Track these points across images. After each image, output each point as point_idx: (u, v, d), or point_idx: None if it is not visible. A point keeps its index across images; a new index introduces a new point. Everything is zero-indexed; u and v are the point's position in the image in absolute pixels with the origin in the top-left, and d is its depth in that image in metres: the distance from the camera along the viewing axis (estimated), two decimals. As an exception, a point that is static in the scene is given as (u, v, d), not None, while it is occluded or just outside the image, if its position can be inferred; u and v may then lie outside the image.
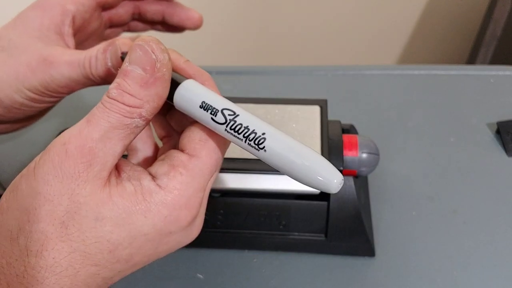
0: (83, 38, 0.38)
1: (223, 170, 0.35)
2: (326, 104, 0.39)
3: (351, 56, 1.21)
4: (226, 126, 0.24)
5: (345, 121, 0.41)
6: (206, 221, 0.39)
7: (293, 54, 1.18)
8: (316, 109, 0.38)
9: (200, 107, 0.25)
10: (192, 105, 0.25)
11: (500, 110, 0.50)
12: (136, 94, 0.24)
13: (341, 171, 0.36)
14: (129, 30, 0.41)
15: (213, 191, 0.38)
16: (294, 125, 0.37)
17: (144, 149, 0.30)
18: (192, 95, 0.25)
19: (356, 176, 0.37)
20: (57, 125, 0.50)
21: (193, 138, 0.26)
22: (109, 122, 0.23)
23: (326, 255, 0.40)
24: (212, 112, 0.24)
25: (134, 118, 0.24)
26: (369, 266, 0.39)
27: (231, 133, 0.24)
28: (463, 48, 1.20)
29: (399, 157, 0.47)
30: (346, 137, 0.37)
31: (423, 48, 1.21)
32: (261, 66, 0.57)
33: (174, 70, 0.27)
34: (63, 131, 0.39)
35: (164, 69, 0.24)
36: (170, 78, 0.25)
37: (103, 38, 0.40)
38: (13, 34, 0.33)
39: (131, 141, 0.25)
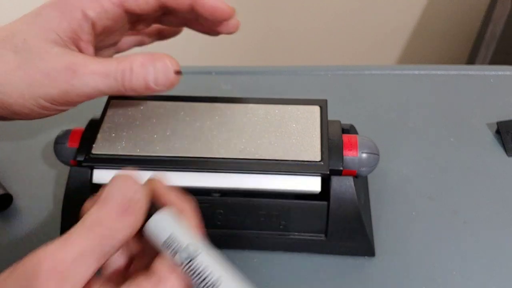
0: (104, 42, 0.37)
1: (223, 170, 0.35)
2: (326, 104, 0.39)
3: (351, 56, 1.21)
4: (183, 267, 0.25)
5: (345, 121, 0.41)
6: (206, 221, 0.39)
7: (293, 54, 1.18)
8: (316, 109, 0.38)
9: (164, 243, 0.26)
10: (157, 240, 0.26)
11: (500, 110, 0.50)
12: (111, 222, 0.25)
13: (341, 171, 0.36)
14: (161, 23, 0.39)
15: (213, 191, 0.38)
16: (294, 125, 0.37)
17: (117, 260, 0.29)
18: (158, 230, 0.26)
19: (356, 176, 0.37)
20: (58, 125, 0.49)
21: (164, 264, 0.26)
22: (84, 246, 0.24)
23: (326, 255, 0.40)
24: (173, 252, 0.26)
25: (109, 244, 0.25)
26: (369, 266, 0.39)
27: (188, 274, 0.25)
28: (463, 48, 1.20)
29: (399, 157, 0.47)
30: (346, 137, 0.37)
31: (423, 48, 1.21)
32: (261, 66, 0.57)
33: (155, 197, 0.28)
34: (64, 130, 0.39)
35: (140, 201, 0.26)
36: (146, 209, 0.26)
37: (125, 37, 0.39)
38: (28, 33, 0.31)
39: (104, 263, 0.25)
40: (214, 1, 0.34)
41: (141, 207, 0.26)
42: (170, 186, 0.29)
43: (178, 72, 0.33)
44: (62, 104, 0.32)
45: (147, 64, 0.32)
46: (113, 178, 0.27)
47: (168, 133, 0.37)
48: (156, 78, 0.32)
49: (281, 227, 0.39)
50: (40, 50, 0.31)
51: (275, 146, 0.36)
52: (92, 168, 0.37)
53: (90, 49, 0.34)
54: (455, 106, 0.51)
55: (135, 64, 0.32)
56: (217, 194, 0.38)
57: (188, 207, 0.29)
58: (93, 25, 0.33)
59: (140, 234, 0.27)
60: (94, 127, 0.38)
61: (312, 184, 0.35)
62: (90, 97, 0.32)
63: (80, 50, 0.33)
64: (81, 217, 0.26)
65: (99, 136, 0.37)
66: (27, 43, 0.31)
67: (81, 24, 0.32)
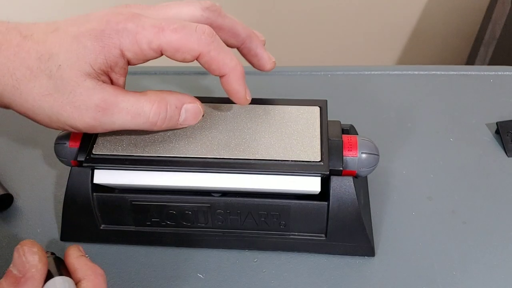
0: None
1: (223, 170, 0.35)
2: (326, 105, 0.39)
3: (351, 56, 1.21)
4: None
5: (345, 121, 0.41)
6: (206, 221, 0.39)
7: (293, 55, 1.18)
8: (316, 110, 0.39)
9: None
10: None
11: (500, 110, 0.50)
12: None
13: (341, 172, 0.36)
14: None
15: (213, 191, 0.38)
16: (294, 126, 0.37)
17: None
18: None
19: (356, 176, 0.37)
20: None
21: None
22: None
23: (326, 255, 0.40)
24: None
25: None
26: (369, 266, 0.39)
27: None
28: (463, 48, 1.20)
29: (399, 157, 0.47)
30: (346, 138, 0.37)
31: (422, 49, 1.21)
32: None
33: (67, 264, 0.31)
34: (63, 132, 0.39)
35: (34, 270, 0.29)
36: (41, 276, 0.29)
37: None
38: (63, 60, 0.31)
39: None
40: (238, 86, 0.35)
41: (34, 277, 0.29)
42: (83, 256, 0.32)
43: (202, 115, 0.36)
44: (86, 132, 0.34)
45: (180, 107, 0.34)
46: (15, 249, 0.30)
47: (168, 134, 0.37)
48: (185, 119, 0.35)
49: (281, 227, 0.39)
50: (73, 82, 0.32)
51: (275, 146, 0.36)
52: (93, 169, 0.37)
53: (121, 80, 0.34)
54: (455, 107, 0.51)
55: (170, 107, 0.34)
56: (217, 195, 0.38)
57: (92, 276, 0.31)
58: (128, 62, 0.33)
59: None
60: (94, 127, 0.38)
61: (312, 184, 0.36)
62: (114, 129, 0.34)
63: (111, 80, 0.34)
64: None
65: (99, 136, 0.37)
66: (61, 70, 0.32)
67: (117, 61, 0.33)
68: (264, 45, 0.40)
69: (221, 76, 0.34)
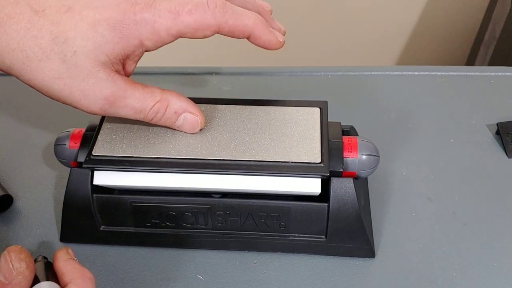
0: None
1: (223, 172, 0.35)
2: (326, 106, 0.39)
3: (351, 57, 1.21)
4: None
5: (345, 122, 0.41)
6: (206, 223, 0.39)
7: (293, 55, 1.18)
8: (316, 111, 0.39)
9: None
10: None
11: (500, 111, 0.50)
12: None
13: (341, 173, 0.36)
14: None
15: (213, 193, 0.38)
16: (294, 127, 0.37)
17: None
18: None
19: (356, 178, 0.37)
20: (58, 126, 0.50)
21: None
22: None
23: (326, 256, 0.40)
24: None
25: None
26: (369, 267, 0.39)
27: None
28: (462, 48, 1.20)
29: (399, 158, 0.47)
30: (346, 139, 0.37)
31: (422, 49, 1.21)
32: (261, 67, 0.57)
33: (55, 268, 0.31)
34: (64, 132, 0.39)
35: (20, 277, 0.29)
36: (28, 284, 0.29)
37: None
38: (80, 47, 0.31)
39: None
40: (266, 36, 0.35)
41: (21, 284, 0.29)
42: (72, 259, 0.32)
43: (200, 129, 0.37)
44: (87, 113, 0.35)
45: (179, 113, 0.35)
46: (1, 255, 0.30)
47: (168, 135, 0.37)
48: (182, 125, 0.36)
49: (281, 228, 0.39)
50: (87, 70, 0.32)
51: (275, 147, 0.36)
52: (92, 170, 0.37)
53: (133, 66, 0.35)
54: (455, 107, 0.51)
55: (169, 110, 0.35)
56: (217, 196, 0.38)
57: (80, 280, 0.30)
58: (146, 50, 0.34)
59: None
60: (94, 128, 0.38)
61: (312, 185, 0.36)
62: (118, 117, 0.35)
63: (124, 67, 0.34)
64: None
65: (99, 137, 0.37)
66: (76, 57, 0.32)
67: (135, 50, 0.33)
68: (271, 14, 0.39)
69: (251, 38, 0.34)
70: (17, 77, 0.33)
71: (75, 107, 0.34)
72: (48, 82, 0.32)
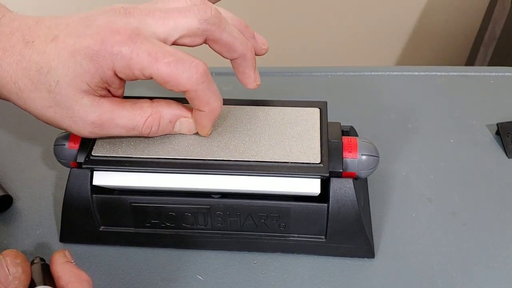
0: None
1: (223, 172, 0.35)
2: (326, 106, 0.39)
3: (351, 57, 1.21)
4: None
5: (345, 122, 0.41)
6: (206, 223, 0.39)
7: (293, 55, 1.18)
8: (316, 111, 0.38)
9: None
10: None
11: (500, 111, 0.50)
12: None
13: (340, 173, 0.36)
14: None
15: (212, 193, 0.38)
16: (294, 127, 0.37)
17: None
18: None
19: (356, 178, 0.37)
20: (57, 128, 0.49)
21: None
22: None
23: (326, 256, 0.40)
24: None
25: None
26: (368, 268, 0.39)
27: None
28: (462, 48, 1.20)
29: (399, 158, 0.47)
30: (345, 139, 0.37)
31: (422, 49, 1.21)
32: (261, 67, 0.57)
33: (52, 271, 0.31)
34: (64, 132, 0.39)
35: (16, 282, 0.29)
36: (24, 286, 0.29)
37: None
38: (61, 76, 0.32)
39: None
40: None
41: (17, 287, 0.29)
42: (69, 262, 0.32)
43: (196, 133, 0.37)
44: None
45: (174, 121, 0.35)
46: None
47: (168, 135, 0.37)
48: (179, 130, 0.36)
49: (281, 229, 0.39)
50: (70, 99, 0.33)
51: (274, 148, 0.36)
52: (92, 170, 0.37)
53: (120, 91, 0.35)
54: (455, 107, 0.51)
55: (163, 122, 0.35)
56: (216, 196, 0.38)
57: (76, 283, 0.30)
58: (124, 81, 0.34)
59: None
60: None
61: (311, 186, 0.36)
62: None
63: (110, 92, 0.34)
64: None
65: (99, 138, 0.37)
66: (59, 86, 0.32)
67: (113, 81, 0.33)
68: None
69: (198, 110, 0.35)
70: (16, 106, 0.35)
71: (70, 131, 0.35)
72: (41, 110, 0.33)
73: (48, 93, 0.32)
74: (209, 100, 0.34)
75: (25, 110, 0.34)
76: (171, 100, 0.36)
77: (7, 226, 0.43)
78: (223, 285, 0.38)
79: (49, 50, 0.32)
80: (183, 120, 0.36)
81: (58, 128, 0.35)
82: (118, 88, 0.34)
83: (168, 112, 0.35)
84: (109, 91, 0.34)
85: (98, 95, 0.33)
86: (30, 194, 0.45)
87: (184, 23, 0.33)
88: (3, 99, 0.35)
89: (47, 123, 0.35)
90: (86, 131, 0.34)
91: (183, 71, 0.32)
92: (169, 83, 0.32)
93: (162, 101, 0.35)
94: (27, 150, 0.49)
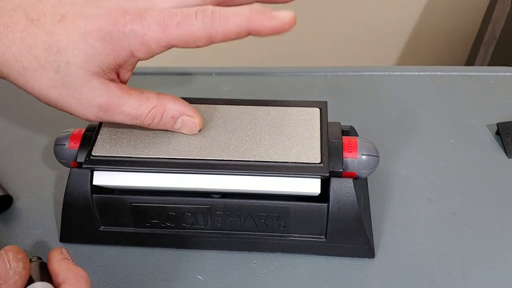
0: None
1: (223, 172, 0.35)
2: (326, 106, 0.39)
3: (351, 57, 1.21)
4: None
5: (345, 122, 0.41)
6: (206, 223, 0.39)
7: (293, 55, 1.18)
8: (316, 111, 0.38)
9: None
10: None
11: (500, 111, 0.50)
12: None
13: (341, 173, 0.36)
14: None
15: (213, 193, 0.38)
16: (294, 127, 0.37)
17: None
18: None
19: (356, 178, 0.37)
20: (58, 127, 0.50)
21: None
22: None
23: (326, 256, 0.40)
24: None
25: None
26: (369, 268, 0.39)
27: None
28: (462, 48, 1.20)
29: (399, 158, 0.47)
30: (346, 139, 0.37)
31: (422, 49, 1.21)
32: (261, 67, 0.57)
33: (49, 268, 0.31)
34: (64, 132, 0.39)
35: (17, 277, 0.29)
36: (23, 284, 0.29)
37: None
38: (72, 57, 0.32)
39: None
40: (267, 25, 0.32)
41: (17, 284, 0.29)
42: (66, 259, 0.32)
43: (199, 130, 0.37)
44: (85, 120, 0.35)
45: (177, 117, 0.35)
46: None
47: (168, 135, 0.37)
48: (180, 128, 0.36)
49: (281, 228, 0.39)
50: (80, 80, 0.32)
51: (274, 148, 0.36)
52: (92, 170, 0.37)
53: (128, 75, 0.35)
54: (455, 107, 0.51)
55: (166, 115, 0.35)
56: (217, 196, 0.38)
57: (73, 280, 0.30)
58: (139, 59, 0.34)
59: None
60: (94, 128, 0.38)
61: (312, 186, 0.36)
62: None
63: (118, 76, 0.34)
64: None
65: (99, 137, 0.37)
66: (69, 67, 0.32)
67: (127, 61, 0.33)
68: None
69: (249, 34, 0.33)
70: (14, 84, 0.34)
71: (72, 114, 0.34)
72: (44, 91, 0.33)
73: (56, 73, 0.32)
74: (235, 21, 0.31)
75: (25, 90, 0.34)
76: (179, 98, 0.36)
77: (7, 226, 0.43)
78: (223, 285, 0.38)
79: (58, 30, 0.32)
80: (185, 118, 0.36)
81: (60, 110, 0.34)
82: (128, 70, 0.34)
83: (173, 106, 0.35)
84: (118, 75, 0.34)
85: (108, 78, 0.33)
86: (30, 194, 0.45)
87: None
88: (1, 77, 0.34)
89: (49, 104, 0.34)
90: (91, 114, 0.33)
91: (193, 23, 0.31)
92: (189, 41, 0.32)
93: (169, 96, 0.35)
94: (27, 150, 0.49)
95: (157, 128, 0.36)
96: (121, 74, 0.34)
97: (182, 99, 0.36)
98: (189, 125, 0.36)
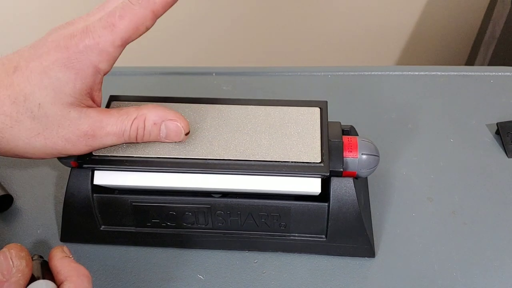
0: None
1: (223, 171, 0.35)
2: (326, 106, 0.39)
3: (351, 57, 1.21)
4: None
5: (345, 122, 0.41)
6: (206, 223, 0.39)
7: (293, 55, 1.18)
8: (316, 111, 0.39)
9: None
10: None
11: (500, 111, 0.50)
12: None
13: (341, 173, 0.36)
14: None
15: (213, 193, 0.38)
16: (294, 127, 0.37)
17: None
18: None
19: (356, 178, 0.37)
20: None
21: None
22: None
23: (326, 256, 0.40)
24: None
25: None
26: (369, 267, 0.39)
27: None
28: (462, 48, 1.20)
29: (399, 158, 0.47)
30: (346, 139, 0.37)
31: (422, 49, 1.21)
32: (262, 67, 0.57)
33: (50, 266, 0.31)
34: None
35: (19, 274, 0.29)
36: (25, 282, 0.29)
37: None
38: (42, 98, 0.32)
39: None
40: None
41: (19, 282, 0.29)
42: (67, 257, 0.32)
43: (187, 133, 0.36)
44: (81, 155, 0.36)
45: (159, 123, 0.35)
46: (0, 252, 0.29)
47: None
48: (167, 135, 0.35)
49: (281, 228, 0.39)
50: (58, 116, 0.32)
51: (275, 147, 0.36)
52: (93, 170, 0.37)
53: (99, 95, 0.35)
54: (455, 107, 0.51)
55: (148, 123, 0.35)
56: (217, 196, 0.38)
57: (75, 277, 0.30)
58: (104, 73, 0.34)
59: None
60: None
61: (312, 185, 0.36)
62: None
63: (93, 99, 0.35)
64: None
65: (100, 137, 0.37)
66: (43, 108, 0.32)
67: (95, 79, 0.33)
68: None
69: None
70: None
71: (64, 155, 0.35)
72: (28, 143, 0.33)
73: (32, 120, 0.32)
74: None
75: (9, 152, 0.34)
76: (159, 105, 0.36)
77: (8, 225, 0.43)
78: (223, 285, 0.38)
79: (16, 80, 0.32)
80: (168, 123, 0.35)
81: (50, 157, 0.34)
82: (99, 90, 0.35)
83: (153, 114, 0.35)
84: (93, 100, 0.34)
85: (84, 105, 0.34)
86: (30, 193, 0.45)
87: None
88: None
89: (37, 157, 0.34)
90: (81, 145, 0.34)
91: (132, 7, 0.32)
92: (139, 26, 0.32)
93: (149, 105, 0.36)
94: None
95: (145, 140, 0.36)
96: (95, 96, 0.35)
97: (163, 107, 0.36)
98: (174, 130, 0.35)
